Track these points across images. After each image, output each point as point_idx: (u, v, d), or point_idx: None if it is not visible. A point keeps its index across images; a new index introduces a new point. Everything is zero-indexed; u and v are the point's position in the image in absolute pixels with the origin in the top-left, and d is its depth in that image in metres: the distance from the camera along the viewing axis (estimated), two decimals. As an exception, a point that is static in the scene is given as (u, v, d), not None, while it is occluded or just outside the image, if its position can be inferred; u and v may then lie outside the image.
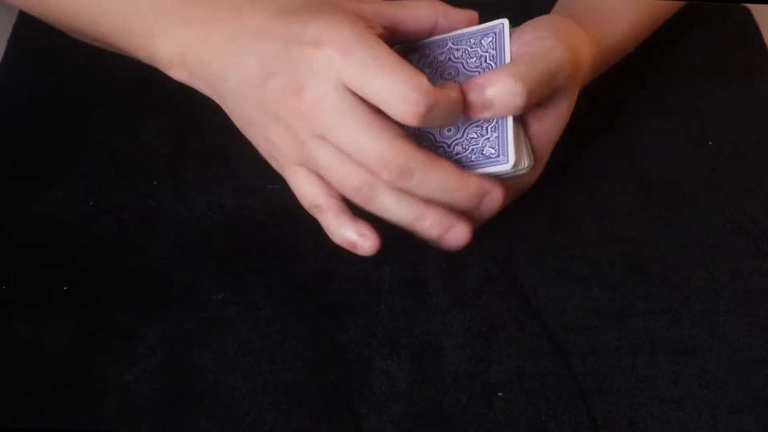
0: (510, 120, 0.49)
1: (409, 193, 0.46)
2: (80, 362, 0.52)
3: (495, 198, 0.48)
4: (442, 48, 0.52)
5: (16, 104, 0.64)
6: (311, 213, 0.49)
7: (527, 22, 0.52)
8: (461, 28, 0.52)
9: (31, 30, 0.68)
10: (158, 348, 0.52)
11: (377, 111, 0.45)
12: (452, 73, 0.51)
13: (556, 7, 0.60)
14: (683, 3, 0.64)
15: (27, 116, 0.63)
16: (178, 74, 0.50)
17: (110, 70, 0.62)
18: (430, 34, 0.52)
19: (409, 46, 0.52)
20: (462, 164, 0.49)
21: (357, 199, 0.47)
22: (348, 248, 0.49)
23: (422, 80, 0.44)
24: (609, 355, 0.53)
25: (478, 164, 0.49)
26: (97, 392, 0.51)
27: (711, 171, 0.60)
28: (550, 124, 0.51)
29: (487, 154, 0.48)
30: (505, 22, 0.51)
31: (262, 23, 0.47)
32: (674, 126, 0.63)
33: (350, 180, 0.46)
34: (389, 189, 0.46)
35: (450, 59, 0.52)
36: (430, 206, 0.47)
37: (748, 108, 0.65)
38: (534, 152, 0.51)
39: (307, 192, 0.48)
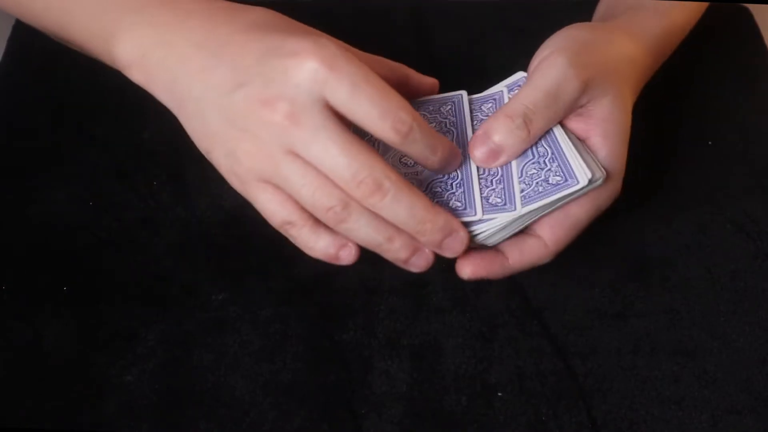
0: (564, 143, 0.48)
1: (379, 216, 0.45)
2: (80, 362, 0.52)
3: (460, 239, 0.46)
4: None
5: (16, 104, 0.64)
6: (281, 231, 0.47)
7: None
8: (423, 95, 0.53)
9: (31, 30, 0.68)
10: (158, 348, 0.52)
11: (350, 129, 0.44)
12: None
13: (597, 12, 0.60)
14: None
15: (27, 116, 0.63)
16: (136, 76, 0.47)
17: (110, 70, 0.62)
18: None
19: None
20: (530, 200, 0.47)
21: (327, 219, 0.45)
22: (327, 261, 0.47)
23: (406, 101, 0.44)
24: (609, 355, 0.53)
25: (547, 193, 0.47)
26: (97, 392, 0.51)
27: (711, 171, 0.60)
28: (603, 131, 0.50)
29: (554, 182, 0.47)
30: (464, 93, 0.53)
31: (234, 34, 0.45)
32: (674, 126, 0.63)
33: (323, 200, 0.44)
34: (363, 211, 0.44)
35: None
36: (399, 230, 0.45)
37: (748, 108, 0.65)
38: (604, 165, 0.49)
39: (278, 210, 0.45)
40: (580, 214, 0.49)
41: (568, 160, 0.48)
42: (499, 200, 0.48)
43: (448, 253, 0.47)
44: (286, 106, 0.43)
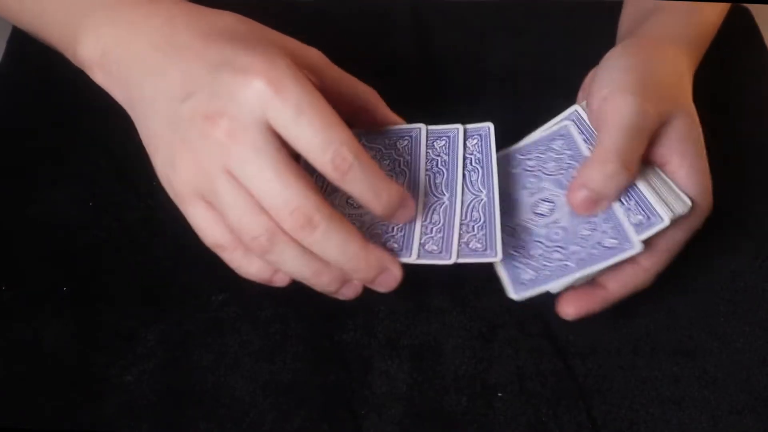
0: (640, 184, 0.48)
1: (307, 250, 0.43)
2: (80, 362, 0.52)
3: (393, 276, 0.45)
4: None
5: (16, 104, 0.64)
6: (213, 250, 0.45)
7: (589, 88, 0.51)
8: (386, 125, 0.51)
9: (31, 30, 0.68)
10: (158, 348, 0.52)
11: (292, 158, 0.42)
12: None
13: (626, 23, 0.59)
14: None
15: (27, 116, 0.63)
16: (97, 76, 0.46)
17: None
18: (350, 118, 0.50)
19: None
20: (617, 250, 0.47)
21: (252, 247, 0.43)
22: (262, 283, 0.46)
23: (350, 136, 0.42)
24: (609, 355, 0.53)
25: (634, 233, 0.47)
26: (97, 392, 0.51)
27: (711, 171, 0.59)
28: (681, 152, 0.49)
29: (636, 222, 0.47)
30: (422, 127, 0.51)
31: (193, 40, 0.44)
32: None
33: (250, 226, 0.42)
34: (291, 244, 0.43)
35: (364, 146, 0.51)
36: (327, 264, 0.44)
37: (748, 108, 0.65)
38: (687, 186, 0.49)
39: (210, 230, 0.44)
40: (676, 235, 0.49)
41: (649, 201, 0.47)
42: (435, 248, 0.47)
43: (381, 289, 0.46)
44: (227, 123, 0.41)
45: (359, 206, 0.48)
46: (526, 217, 0.50)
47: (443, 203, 0.49)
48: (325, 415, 0.50)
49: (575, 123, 0.52)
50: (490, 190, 0.49)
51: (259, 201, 0.42)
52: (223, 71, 0.42)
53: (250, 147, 0.41)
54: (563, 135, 0.52)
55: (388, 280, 0.46)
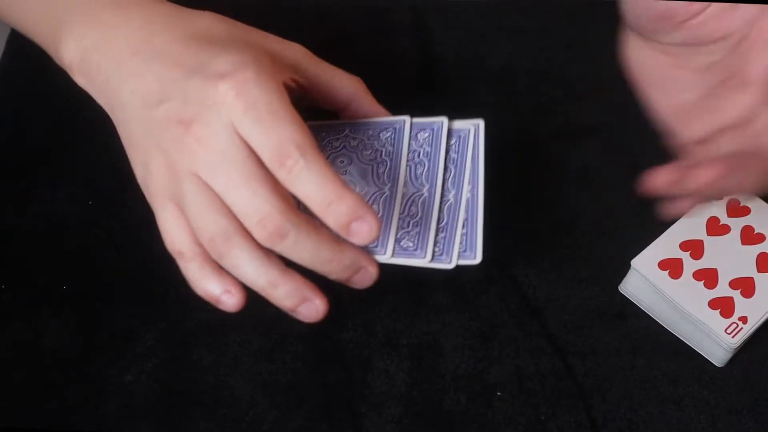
0: None
1: (267, 258, 0.43)
2: (80, 362, 0.52)
3: (369, 274, 0.45)
4: (339, 134, 0.51)
5: (16, 104, 0.64)
6: (173, 257, 0.45)
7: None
8: (369, 117, 0.50)
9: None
10: (158, 348, 0.52)
11: (263, 165, 0.42)
12: (344, 162, 0.50)
13: None
14: None
15: (27, 116, 0.63)
16: (78, 78, 0.46)
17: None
18: (339, 112, 0.50)
19: (309, 124, 0.47)
20: None
21: (209, 249, 0.42)
22: (210, 302, 0.45)
23: (307, 138, 0.41)
24: (609, 355, 0.53)
25: None
26: (96, 392, 0.51)
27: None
28: None
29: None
30: (407, 119, 0.50)
31: (171, 44, 0.43)
32: (674, 126, 0.63)
33: (208, 227, 0.42)
34: (247, 249, 0.42)
35: (345, 147, 0.50)
36: (287, 275, 0.43)
37: (748, 108, 0.65)
38: None
39: (173, 234, 0.44)
40: None
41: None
42: (410, 244, 0.47)
43: (358, 287, 0.46)
44: (197, 129, 0.41)
45: None
46: None
47: (422, 195, 0.48)
48: (324, 415, 0.50)
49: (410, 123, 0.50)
50: (474, 187, 0.48)
51: (229, 207, 0.42)
52: (196, 76, 0.42)
53: (218, 154, 0.41)
54: (396, 128, 0.50)
55: (364, 279, 0.45)
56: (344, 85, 0.49)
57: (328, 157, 0.50)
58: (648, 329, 0.54)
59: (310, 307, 0.44)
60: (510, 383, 0.51)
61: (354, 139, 0.51)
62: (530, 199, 0.59)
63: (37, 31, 0.48)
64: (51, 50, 0.47)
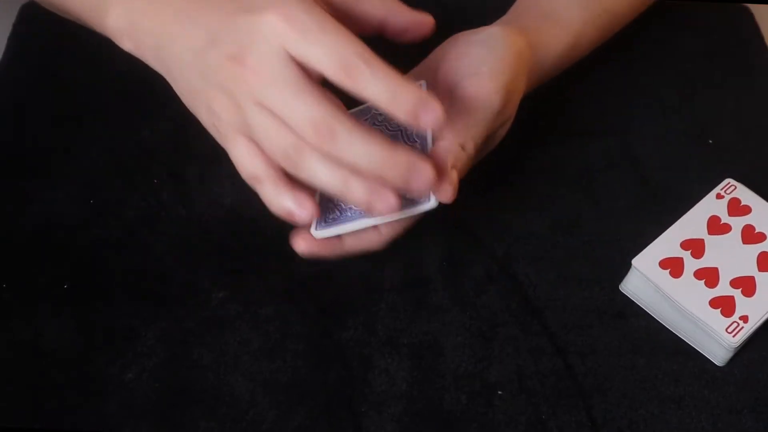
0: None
1: (336, 160, 0.46)
2: (80, 361, 0.52)
3: (425, 176, 0.46)
4: (366, 115, 0.54)
5: (16, 103, 0.64)
6: (251, 185, 0.48)
7: (466, 38, 0.54)
8: (410, 30, 0.52)
9: (31, 29, 0.68)
10: (158, 347, 0.52)
11: (314, 80, 0.45)
12: None
13: (510, 12, 0.60)
14: (648, 5, 0.64)
15: (27, 116, 0.63)
16: (127, 45, 0.50)
17: (110, 69, 0.62)
18: (376, 29, 0.52)
19: None
20: None
21: (286, 165, 0.46)
22: (286, 218, 0.48)
23: (362, 47, 0.44)
24: (609, 355, 0.53)
25: None
26: (96, 391, 0.51)
27: (711, 171, 0.60)
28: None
29: None
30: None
31: None
32: (674, 126, 0.63)
33: (279, 143, 0.45)
34: (316, 154, 0.45)
35: (374, 123, 0.53)
36: (357, 174, 0.46)
37: (748, 108, 0.65)
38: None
39: (247, 162, 0.47)
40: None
41: None
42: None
43: (414, 191, 0.47)
44: (251, 60, 0.45)
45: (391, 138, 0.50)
46: None
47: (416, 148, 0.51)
48: (325, 413, 0.50)
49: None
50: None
51: (286, 122, 0.45)
52: (240, 15, 0.45)
53: (271, 76, 0.44)
54: None
55: (419, 180, 0.46)
56: (374, 5, 0.51)
57: None
58: (648, 328, 0.54)
59: (384, 201, 0.46)
60: (510, 383, 0.51)
61: (380, 115, 0.53)
62: (530, 199, 0.59)
63: (81, 8, 0.52)
64: (95, 21, 0.51)
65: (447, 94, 0.51)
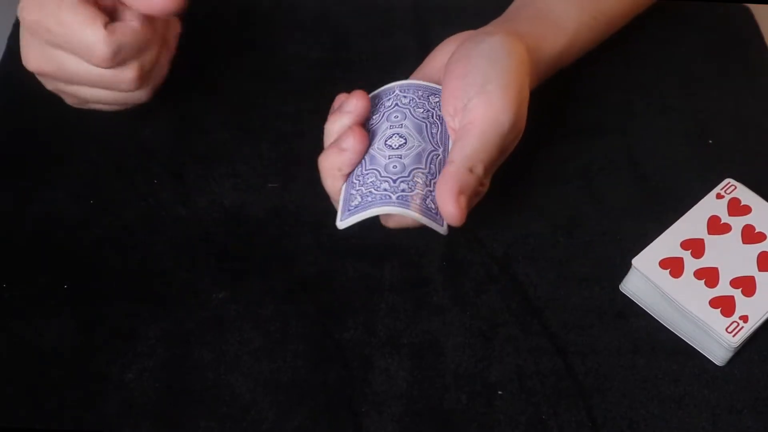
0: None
1: None
2: (80, 361, 0.52)
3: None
4: (389, 95, 0.53)
5: (16, 104, 0.64)
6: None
7: (467, 50, 0.52)
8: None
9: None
10: (158, 347, 0.52)
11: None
12: (398, 117, 0.52)
13: (505, 14, 0.60)
14: (644, 8, 0.64)
15: (27, 116, 0.63)
16: None
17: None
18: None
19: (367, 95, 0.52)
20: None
21: None
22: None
23: None
24: (609, 354, 0.53)
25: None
26: (97, 391, 0.51)
27: (711, 171, 0.60)
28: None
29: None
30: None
31: None
32: (674, 126, 0.63)
33: None
34: None
35: (397, 105, 0.53)
36: None
37: (748, 107, 0.65)
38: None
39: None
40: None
41: None
42: (433, 206, 0.49)
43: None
44: None
45: (398, 147, 0.50)
46: (378, 146, 0.51)
47: (438, 155, 0.50)
48: (325, 413, 0.50)
49: None
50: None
51: None
52: None
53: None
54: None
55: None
56: None
57: (382, 116, 0.52)
58: (648, 328, 0.54)
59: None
60: (510, 382, 0.51)
61: (405, 97, 0.53)
62: (530, 199, 0.59)
63: None
64: None
65: (455, 117, 0.51)
